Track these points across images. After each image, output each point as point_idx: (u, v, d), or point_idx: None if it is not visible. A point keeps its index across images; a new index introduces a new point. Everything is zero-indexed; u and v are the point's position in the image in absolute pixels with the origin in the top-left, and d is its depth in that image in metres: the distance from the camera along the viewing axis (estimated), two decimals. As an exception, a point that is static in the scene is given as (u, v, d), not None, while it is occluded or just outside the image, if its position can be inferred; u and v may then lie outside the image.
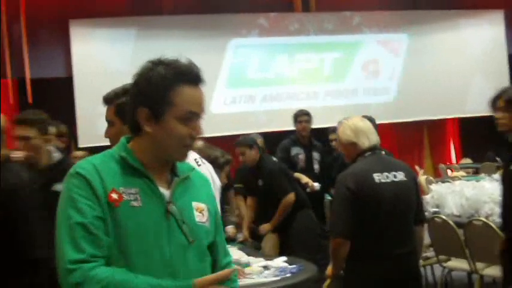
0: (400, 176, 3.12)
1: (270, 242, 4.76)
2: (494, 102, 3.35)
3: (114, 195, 1.57)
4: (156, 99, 1.61)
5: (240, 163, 6.40)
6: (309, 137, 6.10)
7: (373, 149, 3.16)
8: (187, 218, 1.65)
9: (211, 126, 9.18)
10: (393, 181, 3.08)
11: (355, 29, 10.30)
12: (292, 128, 6.44)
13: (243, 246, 4.21)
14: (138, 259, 1.55)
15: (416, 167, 9.35)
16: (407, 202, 3.14)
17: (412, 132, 10.95)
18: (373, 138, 3.20)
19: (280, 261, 3.62)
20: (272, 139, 6.79)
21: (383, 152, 3.25)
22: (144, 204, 1.59)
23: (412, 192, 3.17)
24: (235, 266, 1.89)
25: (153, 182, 1.63)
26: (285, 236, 4.83)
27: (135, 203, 1.58)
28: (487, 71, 10.91)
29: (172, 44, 8.65)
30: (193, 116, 1.63)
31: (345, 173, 3.16)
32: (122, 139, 1.71)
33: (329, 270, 3.24)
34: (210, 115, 9.26)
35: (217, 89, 9.49)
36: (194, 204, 1.70)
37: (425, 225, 4.92)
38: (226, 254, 1.84)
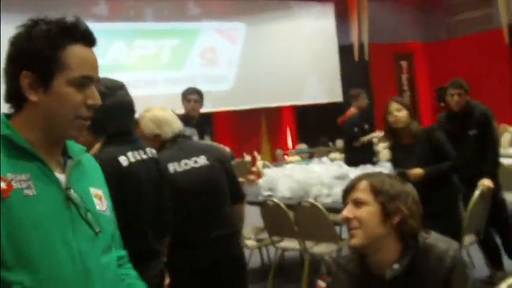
0: (202, 160, 3.12)
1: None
2: None
3: (2, 185, 1.28)
4: (43, 60, 1.34)
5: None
6: (198, 118, 5.78)
7: (176, 137, 3.13)
8: (89, 205, 1.42)
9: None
10: (193, 167, 3.07)
11: (194, 17, 10.33)
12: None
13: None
14: (42, 259, 1.30)
15: (255, 153, 9.60)
16: (214, 184, 3.12)
17: (250, 119, 11.24)
18: (176, 127, 3.16)
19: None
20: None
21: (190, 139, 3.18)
22: (39, 193, 1.32)
23: (219, 174, 3.14)
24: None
25: (46, 166, 1.37)
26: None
27: (28, 192, 1.31)
28: (320, 61, 11.49)
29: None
30: (87, 81, 1.39)
31: None
32: (1, 116, 1.40)
33: None
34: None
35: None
36: (92, 190, 1.48)
37: (257, 208, 5.10)
38: (121, 246, 1.64)
